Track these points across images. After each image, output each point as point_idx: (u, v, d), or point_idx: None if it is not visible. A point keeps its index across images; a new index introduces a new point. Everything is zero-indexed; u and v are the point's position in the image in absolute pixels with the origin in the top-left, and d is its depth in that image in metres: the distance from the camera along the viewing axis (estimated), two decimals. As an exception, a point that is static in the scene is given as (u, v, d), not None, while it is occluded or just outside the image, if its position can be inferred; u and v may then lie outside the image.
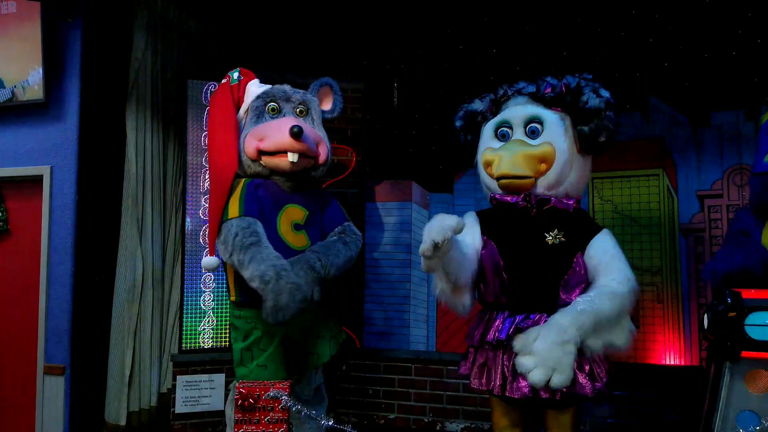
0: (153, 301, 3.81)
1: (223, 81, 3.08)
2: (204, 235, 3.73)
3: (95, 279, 3.76)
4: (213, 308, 3.71)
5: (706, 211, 3.50)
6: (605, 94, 2.56)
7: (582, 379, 2.37)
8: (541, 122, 2.57)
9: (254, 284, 2.62)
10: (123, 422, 3.68)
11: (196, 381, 3.67)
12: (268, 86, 3.09)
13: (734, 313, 2.29)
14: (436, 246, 2.12)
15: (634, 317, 2.46)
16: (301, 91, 3.12)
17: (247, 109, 3.04)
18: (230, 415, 2.98)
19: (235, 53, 4.41)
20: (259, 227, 2.78)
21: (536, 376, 2.23)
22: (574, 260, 2.48)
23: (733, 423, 2.35)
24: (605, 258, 2.48)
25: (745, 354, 2.31)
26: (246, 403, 2.37)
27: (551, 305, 2.44)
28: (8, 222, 3.89)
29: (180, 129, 3.92)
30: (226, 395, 3.44)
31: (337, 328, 3.17)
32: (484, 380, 2.52)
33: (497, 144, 2.66)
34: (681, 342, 3.48)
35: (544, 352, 2.23)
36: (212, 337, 3.71)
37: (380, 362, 3.97)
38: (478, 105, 2.80)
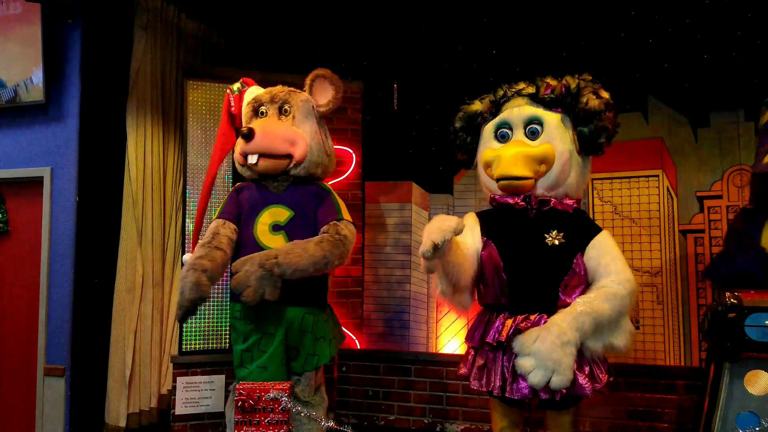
0: (153, 303, 3.81)
1: (227, 91, 3.17)
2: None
3: (95, 280, 3.76)
4: (213, 309, 3.71)
5: (706, 212, 3.50)
6: (605, 94, 2.57)
7: (581, 379, 2.37)
8: (540, 123, 2.58)
9: None
10: (123, 423, 3.68)
11: (196, 382, 3.67)
12: (262, 90, 3.16)
13: (734, 315, 2.29)
14: (435, 247, 2.13)
15: (634, 318, 2.46)
16: (287, 89, 3.13)
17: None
18: (230, 416, 2.98)
19: (235, 54, 4.41)
20: (227, 228, 2.94)
21: (536, 377, 2.24)
22: (574, 261, 2.48)
23: (732, 424, 2.35)
24: (605, 259, 2.49)
25: (744, 355, 2.31)
26: (246, 404, 2.37)
27: (551, 306, 2.44)
28: (8, 223, 3.89)
29: (180, 130, 3.93)
30: (227, 396, 3.44)
31: (337, 329, 3.17)
32: (483, 381, 2.52)
33: (497, 145, 2.66)
34: (681, 343, 3.48)
35: (544, 353, 2.23)
36: (212, 339, 3.71)
37: (380, 363, 3.97)
38: (477, 106, 2.80)
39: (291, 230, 2.92)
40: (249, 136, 2.88)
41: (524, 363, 2.27)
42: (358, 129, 4.16)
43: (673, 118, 3.60)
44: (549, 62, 3.66)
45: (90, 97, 3.73)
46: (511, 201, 2.58)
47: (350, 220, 3.02)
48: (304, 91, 3.16)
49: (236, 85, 3.21)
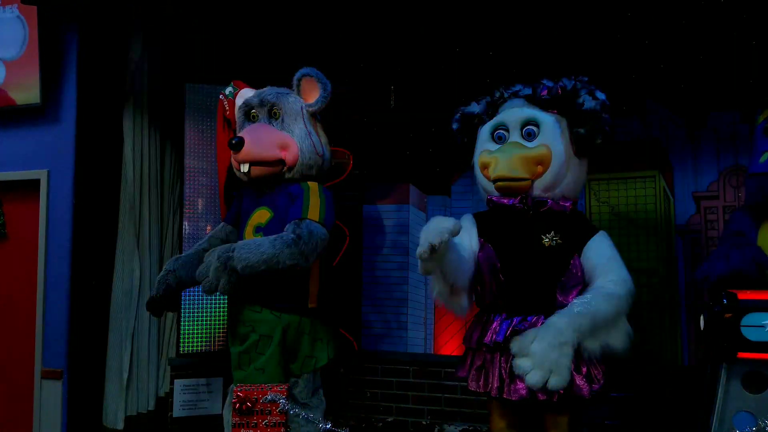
0: (150, 305, 3.80)
1: (220, 96, 3.18)
2: (201, 238, 3.73)
3: (93, 283, 3.76)
4: (211, 312, 3.70)
5: (703, 213, 3.50)
6: (601, 96, 2.57)
7: (579, 380, 2.37)
8: (537, 124, 2.58)
9: None
10: (121, 426, 3.67)
11: (194, 385, 3.66)
12: (252, 94, 3.15)
13: (730, 314, 2.30)
14: (432, 248, 2.13)
15: (631, 319, 2.47)
16: (275, 91, 3.12)
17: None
18: (228, 418, 2.98)
19: (232, 57, 4.41)
20: (222, 230, 3.15)
21: (533, 378, 2.24)
22: (571, 262, 2.48)
23: (729, 424, 2.36)
24: (602, 260, 2.49)
25: (741, 355, 2.31)
26: (244, 406, 2.37)
27: (548, 307, 2.45)
28: (5, 226, 3.89)
29: (177, 132, 3.92)
30: (224, 399, 3.44)
31: (335, 330, 3.17)
32: (481, 382, 2.53)
33: (494, 146, 2.66)
34: (678, 343, 3.48)
35: (542, 354, 2.23)
36: (210, 341, 3.70)
37: (378, 365, 3.97)
38: (474, 107, 2.81)
39: (268, 231, 2.92)
40: (237, 146, 2.89)
41: (522, 364, 2.27)
42: (356, 130, 4.16)
43: (670, 119, 3.60)
44: (545, 64, 3.67)
45: (87, 100, 3.73)
46: (507, 202, 2.59)
47: (316, 219, 2.86)
48: (293, 91, 3.15)
49: (228, 89, 3.23)
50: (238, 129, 3.18)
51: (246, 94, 3.18)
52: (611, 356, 2.48)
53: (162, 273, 2.97)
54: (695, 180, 3.54)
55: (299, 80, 3.11)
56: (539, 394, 2.33)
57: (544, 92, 2.60)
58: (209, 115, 3.79)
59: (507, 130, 2.65)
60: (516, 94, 2.69)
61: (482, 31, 3.97)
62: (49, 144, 3.71)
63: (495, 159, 2.58)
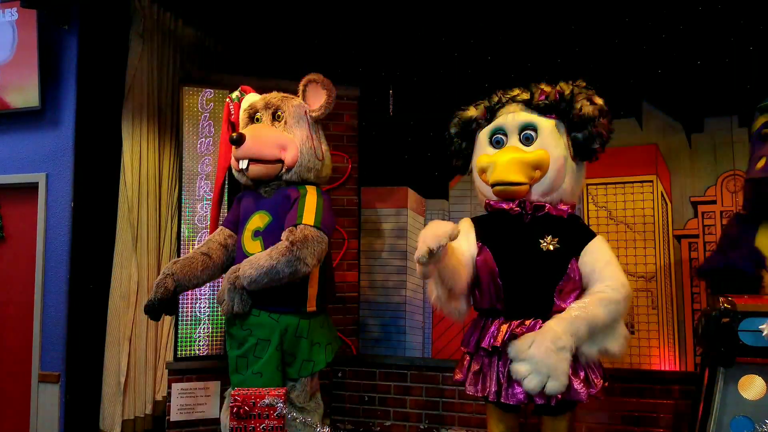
0: (148, 309, 3.80)
1: (227, 100, 3.21)
2: (200, 242, 3.73)
3: (90, 286, 3.75)
4: (208, 315, 3.70)
5: (700, 217, 3.51)
6: (599, 101, 2.58)
7: (577, 385, 2.37)
8: (535, 129, 2.59)
9: None
10: (118, 430, 3.66)
11: (191, 389, 3.66)
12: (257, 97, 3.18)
13: (728, 319, 2.30)
14: (431, 253, 2.13)
15: (629, 323, 2.47)
16: (281, 95, 3.16)
17: None
18: (226, 422, 2.98)
19: (231, 60, 4.42)
20: (221, 234, 3.15)
21: (531, 383, 2.24)
22: (569, 266, 2.49)
23: (727, 428, 2.36)
24: (599, 264, 2.50)
25: (738, 359, 2.32)
26: (241, 410, 2.36)
27: (546, 311, 2.45)
28: (4, 229, 3.88)
29: (176, 136, 3.93)
30: (222, 403, 3.43)
31: (333, 334, 3.17)
32: (479, 387, 2.52)
33: (492, 151, 2.67)
34: (676, 347, 3.49)
35: (539, 359, 2.23)
36: (208, 345, 3.70)
37: (376, 369, 3.97)
38: (472, 112, 2.81)
39: (267, 235, 2.94)
40: (238, 141, 2.91)
41: (520, 368, 2.28)
42: (354, 135, 4.17)
43: (667, 123, 3.61)
44: (543, 68, 3.69)
45: (86, 103, 3.73)
46: (506, 206, 2.59)
47: (311, 223, 2.84)
48: (298, 96, 3.17)
49: (235, 93, 3.25)
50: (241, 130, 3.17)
51: (252, 99, 3.20)
52: (609, 360, 2.49)
53: (160, 276, 2.97)
54: (693, 185, 3.54)
55: (305, 86, 3.15)
56: (537, 399, 2.33)
57: (543, 97, 2.61)
58: (208, 119, 3.80)
59: (505, 135, 2.66)
60: (514, 99, 2.70)
61: (481, 36, 3.99)
62: (48, 147, 3.71)
63: (493, 163, 2.59)
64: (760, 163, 2.60)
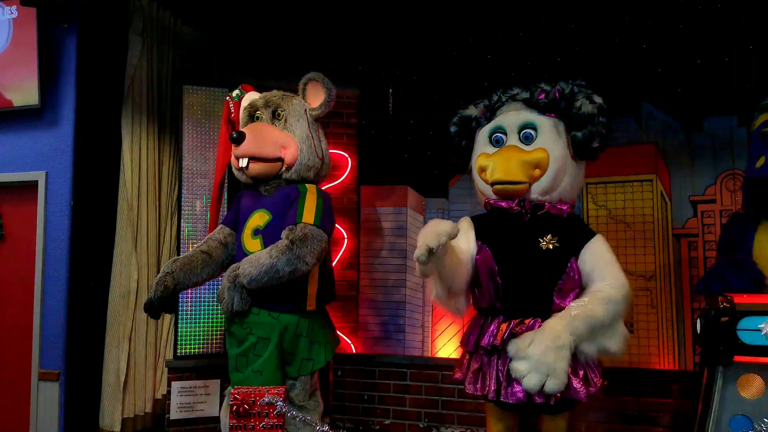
0: (148, 307, 3.80)
1: (227, 98, 3.20)
2: (199, 240, 3.73)
3: (90, 284, 3.75)
4: (208, 313, 3.70)
5: (700, 217, 3.52)
6: (598, 100, 2.59)
7: (576, 383, 2.38)
8: (534, 128, 2.59)
9: None
10: (118, 429, 3.66)
11: (191, 387, 3.66)
12: (257, 96, 3.18)
13: (727, 318, 2.31)
14: (430, 251, 2.13)
15: (628, 322, 2.47)
16: (281, 93, 3.16)
17: None
18: (225, 421, 2.98)
19: (231, 59, 4.42)
20: (221, 232, 3.16)
21: (530, 381, 2.24)
22: (568, 265, 2.49)
23: (726, 427, 2.36)
24: (599, 263, 2.50)
25: (737, 358, 2.32)
26: (241, 408, 2.36)
27: (545, 310, 2.45)
28: (3, 228, 3.88)
29: (176, 134, 3.93)
30: (222, 401, 3.44)
31: (332, 333, 3.17)
32: (478, 385, 2.53)
33: (491, 150, 2.67)
34: (675, 347, 3.49)
35: (539, 357, 2.24)
36: (207, 343, 3.70)
37: (375, 367, 3.97)
38: (472, 111, 2.82)
39: (267, 234, 2.94)
40: (238, 139, 2.91)
41: (519, 367, 2.28)
42: (354, 133, 4.17)
43: (667, 123, 3.62)
44: (543, 68, 3.69)
45: (85, 102, 3.72)
46: (505, 205, 2.60)
47: (311, 222, 2.85)
48: (298, 95, 3.18)
49: (235, 92, 3.25)
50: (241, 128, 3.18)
51: (252, 97, 3.20)
52: (608, 359, 2.49)
53: (160, 275, 2.97)
54: (692, 184, 3.55)
55: (305, 84, 3.16)
56: (536, 397, 2.34)
57: (542, 96, 2.61)
58: (208, 117, 3.80)
59: (505, 134, 2.66)
60: (514, 98, 2.70)
61: (481, 35, 3.99)
62: (48, 146, 3.71)
63: (493, 162, 2.59)
64: (760, 162, 2.60)
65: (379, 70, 4.19)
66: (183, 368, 3.66)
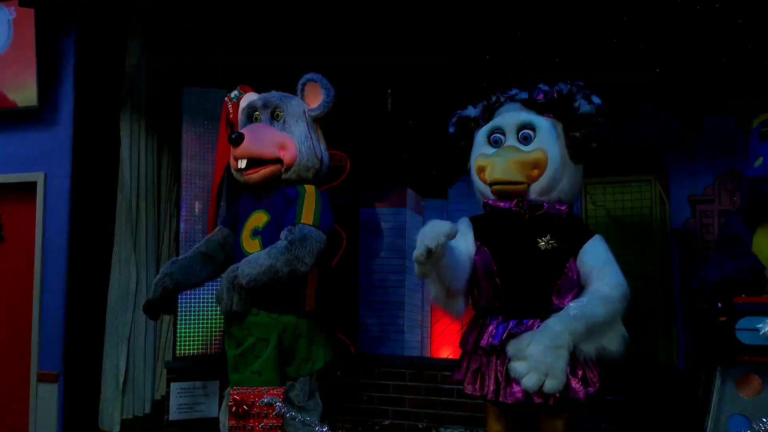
0: (147, 308, 3.80)
1: (225, 99, 3.20)
2: (198, 241, 3.73)
3: (89, 285, 3.75)
4: (207, 314, 3.70)
5: (698, 216, 3.52)
6: (597, 100, 2.58)
7: (575, 384, 2.38)
8: (533, 128, 2.59)
9: None
10: (117, 429, 3.67)
11: (190, 388, 3.66)
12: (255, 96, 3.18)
13: (725, 318, 2.31)
14: (429, 252, 2.13)
15: (626, 322, 2.47)
16: (279, 94, 3.15)
17: None
18: (225, 422, 2.98)
19: (230, 60, 4.41)
20: (220, 233, 3.16)
21: (529, 381, 2.24)
22: (567, 266, 2.49)
23: (724, 427, 2.36)
24: (598, 263, 2.50)
25: (736, 358, 2.32)
26: (240, 409, 2.36)
27: (544, 310, 2.45)
28: (2, 228, 3.88)
29: (175, 135, 3.92)
30: (221, 402, 3.43)
31: (331, 334, 3.17)
32: (477, 385, 2.53)
33: (490, 150, 2.67)
34: (673, 347, 3.49)
35: (538, 357, 2.23)
36: (206, 344, 3.70)
37: (375, 368, 3.96)
38: (471, 111, 2.82)
39: (266, 235, 2.94)
40: (237, 140, 2.91)
41: (518, 367, 2.28)
42: (352, 134, 4.17)
43: (665, 123, 3.62)
44: (542, 68, 3.69)
45: (84, 102, 3.73)
46: (504, 206, 2.59)
47: (309, 222, 2.86)
48: (297, 95, 3.17)
49: (234, 93, 3.26)
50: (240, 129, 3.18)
51: (251, 98, 3.20)
52: (607, 359, 2.49)
53: (159, 276, 2.97)
54: (691, 184, 3.55)
55: (303, 85, 3.16)
56: (535, 397, 2.34)
57: (540, 96, 2.61)
58: (207, 119, 3.80)
59: (503, 134, 2.66)
60: (512, 98, 2.70)
61: (479, 35, 3.99)
62: (46, 146, 3.71)
63: (491, 163, 2.59)
64: (758, 163, 2.61)
65: (378, 70, 4.19)
66: (182, 369, 3.65)
